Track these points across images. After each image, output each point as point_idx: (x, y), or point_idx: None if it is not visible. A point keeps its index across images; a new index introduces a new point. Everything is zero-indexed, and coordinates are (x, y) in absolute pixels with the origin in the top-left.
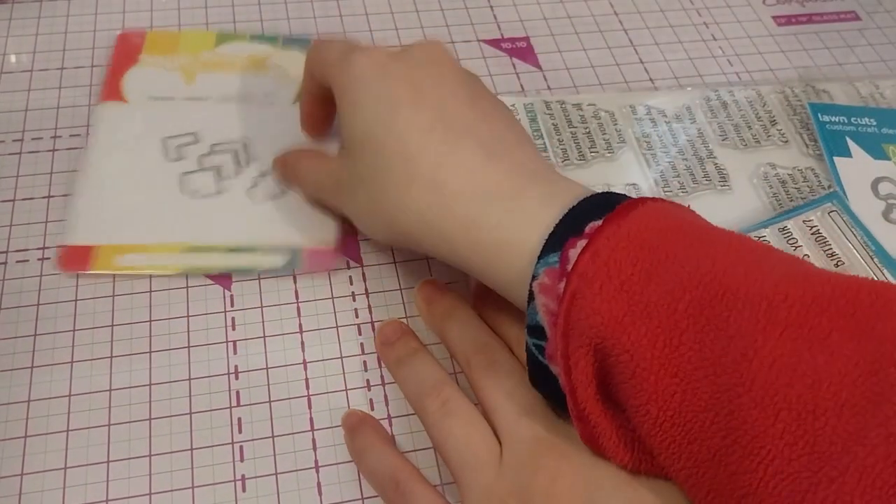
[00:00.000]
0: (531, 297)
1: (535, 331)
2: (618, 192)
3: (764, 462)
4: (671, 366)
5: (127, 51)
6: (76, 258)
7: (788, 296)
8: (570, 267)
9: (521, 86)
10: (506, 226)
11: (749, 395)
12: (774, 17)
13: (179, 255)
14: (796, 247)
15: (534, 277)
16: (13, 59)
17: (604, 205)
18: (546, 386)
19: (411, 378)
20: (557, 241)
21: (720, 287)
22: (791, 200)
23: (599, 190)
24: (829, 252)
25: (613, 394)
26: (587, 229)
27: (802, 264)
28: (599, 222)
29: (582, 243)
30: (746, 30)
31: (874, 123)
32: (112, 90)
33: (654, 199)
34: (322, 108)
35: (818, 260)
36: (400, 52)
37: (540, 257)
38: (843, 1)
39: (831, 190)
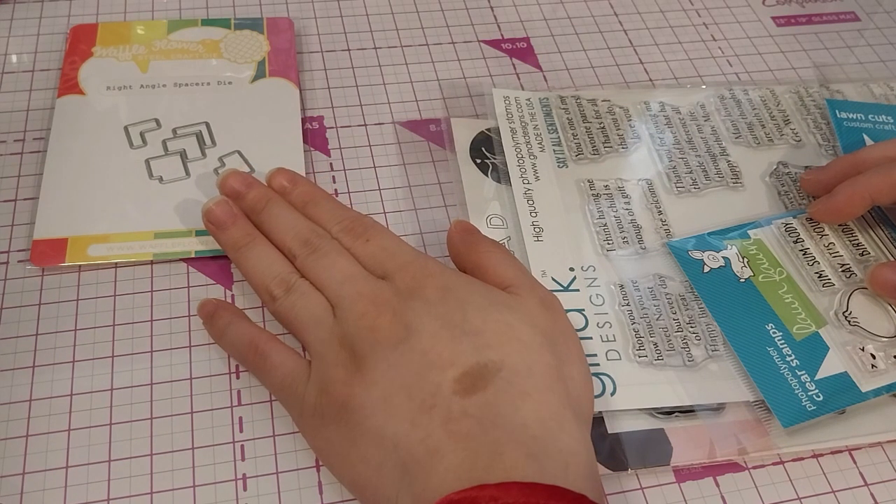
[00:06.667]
0: None
1: None
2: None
3: None
4: None
5: (80, 44)
6: (49, 252)
7: None
8: None
9: (521, 86)
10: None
11: None
12: (774, 18)
13: (153, 242)
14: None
15: None
16: (14, 59)
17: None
18: None
19: (256, 266)
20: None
21: None
22: (803, 199)
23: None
24: (855, 242)
25: None
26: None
27: None
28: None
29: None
30: (746, 30)
31: (891, 121)
32: (69, 84)
33: None
34: None
35: (820, 254)
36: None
37: None
38: (842, 2)
39: None
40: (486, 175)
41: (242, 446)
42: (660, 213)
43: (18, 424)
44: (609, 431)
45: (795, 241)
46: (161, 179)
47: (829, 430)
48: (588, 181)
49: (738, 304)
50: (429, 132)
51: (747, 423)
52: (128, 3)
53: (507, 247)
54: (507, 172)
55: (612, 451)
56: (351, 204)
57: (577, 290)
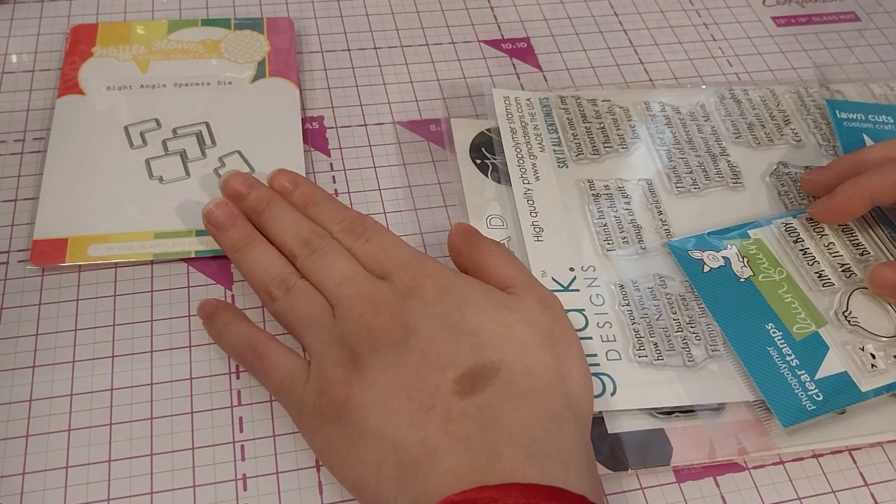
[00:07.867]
0: None
1: None
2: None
3: None
4: None
5: (80, 44)
6: (49, 252)
7: None
8: None
9: (522, 86)
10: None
11: None
12: (774, 18)
13: (153, 242)
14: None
15: None
16: (14, 59)
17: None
18: None
19: (255, 267)
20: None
21: None
22: (803, 199)
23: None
24: (855, 242)
25: None
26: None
27: None
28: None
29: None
30: (746, 30)
31: (891, 121)
32: (69, 84)
33: None
34: None
35: (821, 254)
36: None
37: None
38: (842, 2)
39: None
40: (486, 175)
41: (242, 446)
42: (660, 213)
43: (18, 424)
44: (609, 431)
45: (795, 241)
46: (161, 179)
47: (829, 430)
48: (588, 181)
49: (738, 304)
50: (429, 132)
51: (747, 423)
52: (128, 3)
53: (507, 247)
54: (507, 172)
55: (612, 451)
56: (351, 204)
57: (577, 290)
